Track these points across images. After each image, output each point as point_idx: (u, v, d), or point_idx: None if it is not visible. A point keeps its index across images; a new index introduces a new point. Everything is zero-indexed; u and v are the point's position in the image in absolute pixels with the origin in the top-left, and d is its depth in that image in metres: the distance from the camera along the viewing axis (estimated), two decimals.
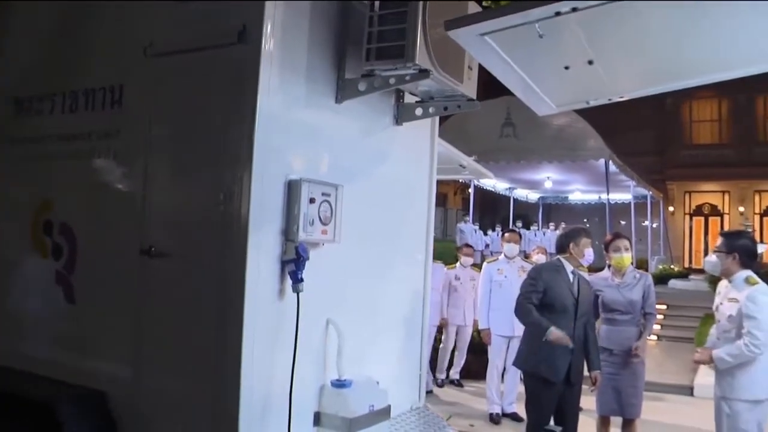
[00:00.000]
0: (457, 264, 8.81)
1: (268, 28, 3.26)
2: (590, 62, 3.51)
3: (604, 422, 5.33)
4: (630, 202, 20.79)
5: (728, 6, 3.05)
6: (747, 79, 4.28)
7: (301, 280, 3.35)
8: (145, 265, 3.56)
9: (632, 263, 5.43)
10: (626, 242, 5.25)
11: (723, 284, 4.41)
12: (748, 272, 4.20)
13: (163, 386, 3.48)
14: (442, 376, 8.75)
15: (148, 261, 3.54)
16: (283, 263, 3.40)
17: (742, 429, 4.02)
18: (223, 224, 3.30)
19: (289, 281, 3.38)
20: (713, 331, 4.53)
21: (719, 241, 4.41)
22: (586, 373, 4.81)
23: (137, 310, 3.62)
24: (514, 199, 23.90)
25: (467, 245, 9.59)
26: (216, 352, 3.27)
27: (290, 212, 3.40)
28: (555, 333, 4.38)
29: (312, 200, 3.43)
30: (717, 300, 4.42)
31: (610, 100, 4.25)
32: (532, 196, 25.56)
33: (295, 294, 3.36)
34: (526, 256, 8.59)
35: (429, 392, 8.41)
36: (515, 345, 6.41)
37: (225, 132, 3.37)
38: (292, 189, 3.41)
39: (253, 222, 3.19)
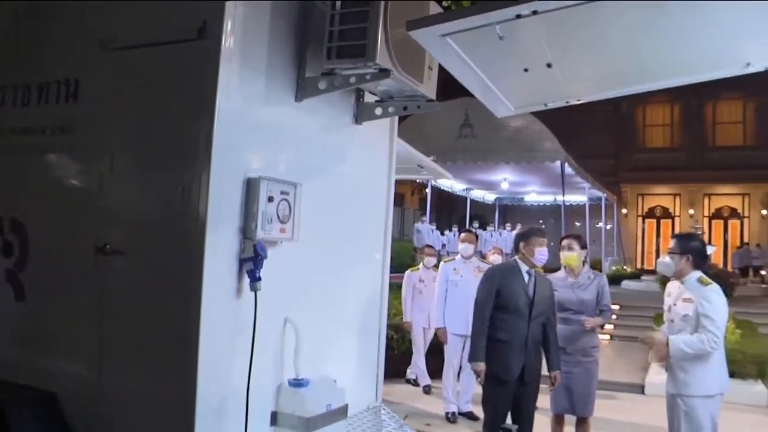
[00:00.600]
0: (421, 266, 8.76)
1: (228, 25, 3.23)
2: (549, 65, 3.57)
3: (558, 420, 5.41)
4: (585, 204, 21.16)
5: (684, 12, 3.13)
6: (698, 85, 4.40)
7: (259, 278, 3.33)
8: (99, 263, 3.50)
9: (585, 263, 5.52)
10: (573, 241, 5.34)
11: (674, 285, 4.51)
12: (700, 273, 4.32)
13: (117, 386, 3.42)
14: (427, 382, 8.53)
15: (103, 259, 3.48)
16: (241, 261, 3.37)
17: (699, 424, 4.15)
18: (181, 222, 3.26)
19: (247, 280, 3.36)
20: (664, 330, 4.64)
21: (672, 242, 4.52)
22: (546, 372, 4.88)
23: (91, 309, 3.54)
24: (470, 199, 24.10)
25: (429, 246, 9.57)
26: (172, 351, 3.23)
27: (249, 210, 3.37)
28: (478, 366, 4.63)
29: (270, 198, 3.42)
30: (669, 301, 4.52)
31: (567, 102, 4.32)
32: (489, 196, 25.83)
33: (253, 293, 3.34)
34: (482, 257, 8.64)
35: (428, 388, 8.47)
36: None
37: (183, 129, 3.32)
38: (250, 187, 3.39)
39: (211, 220, 3.16)
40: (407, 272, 8.69)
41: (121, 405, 3.40)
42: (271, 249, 3.48)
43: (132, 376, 3.38)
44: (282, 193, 3.52)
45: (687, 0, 2.92)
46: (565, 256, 5.29)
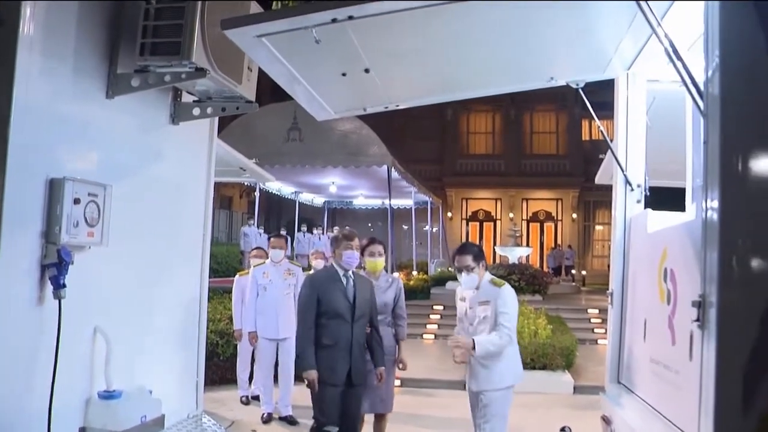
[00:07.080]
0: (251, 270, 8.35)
1: (27, 10, 3.00)
2: (367, 70, 3.64)
3: None
4: (411, 208, 21.84)
5: (494, 27, 3.33)
6: (516, 96, 4.71)
7: (64, 285, 3.14)
8: None
9: (386, 268, 5.63)
10: (380, 248, 5.46)
11: (467, 293, 4.65)
12: (490, 275, 4.58)
13: None
14: (245, 393, 8.01)
15: None
16: (44, 267, 3.15)
17: (500, 413, 4.42)
18: None
19: (50, 287, 3.15)
20: (458, 331, 4.80)
21: (462, 261, 4.54)
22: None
23: None
24: (299, 203, 24.10)
25: (259, 248, 9.22)
26: None
27: (52, 213, 3.17)
28: (309, 375, 4.48)
29: (77, 200, 3.22)
30: (464, 305, 4.68)
31: (386, 107, 4.43)
32: (318, 200, 25.93)
33: (57, 300, 3.14)
34: (308, 261, 8.59)
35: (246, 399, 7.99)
36: (286, 347, 6.63)
37: None
38: (54, 188, 3.18)
39: (6, 222, 2.92)
40: (236, 277, 8.32)
41: None
42: (78, 254, 3.29)
43: None
44: (90, 194, 3.33)
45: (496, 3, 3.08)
46: (372, 262, 5.35)
